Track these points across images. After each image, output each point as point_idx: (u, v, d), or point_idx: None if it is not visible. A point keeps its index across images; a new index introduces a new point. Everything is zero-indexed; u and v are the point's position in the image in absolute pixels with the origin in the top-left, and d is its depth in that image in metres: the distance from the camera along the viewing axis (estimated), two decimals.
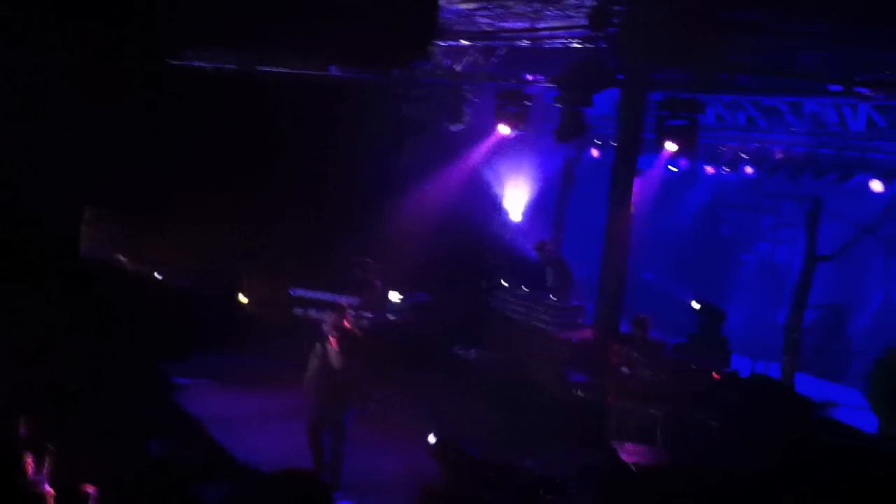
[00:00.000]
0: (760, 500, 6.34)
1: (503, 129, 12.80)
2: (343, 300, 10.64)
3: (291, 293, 13.91)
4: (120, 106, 11.20)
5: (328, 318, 9.96)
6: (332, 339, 9.78)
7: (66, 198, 10.98)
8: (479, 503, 8.39)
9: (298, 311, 13.95)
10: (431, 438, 9.04)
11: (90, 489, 6.53)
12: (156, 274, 13.63)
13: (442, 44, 12.37)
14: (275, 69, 12.25)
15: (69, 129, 10.92)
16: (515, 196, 15.82)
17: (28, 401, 7.76)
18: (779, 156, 13.52)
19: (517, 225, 15.99)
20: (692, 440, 10.75)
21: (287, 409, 11.90)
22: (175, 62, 11.72)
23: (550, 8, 10.60)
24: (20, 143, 10.46)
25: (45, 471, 7.00)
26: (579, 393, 11.58)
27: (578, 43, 10.89)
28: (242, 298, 14.65)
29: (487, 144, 14.45)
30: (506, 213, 15.75)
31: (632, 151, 10.07)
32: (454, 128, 13.28)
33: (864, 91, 10.34)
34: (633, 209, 10.15)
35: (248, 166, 13.23)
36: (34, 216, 10.45)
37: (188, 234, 13.44)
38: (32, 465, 7.12)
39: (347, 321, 10.00)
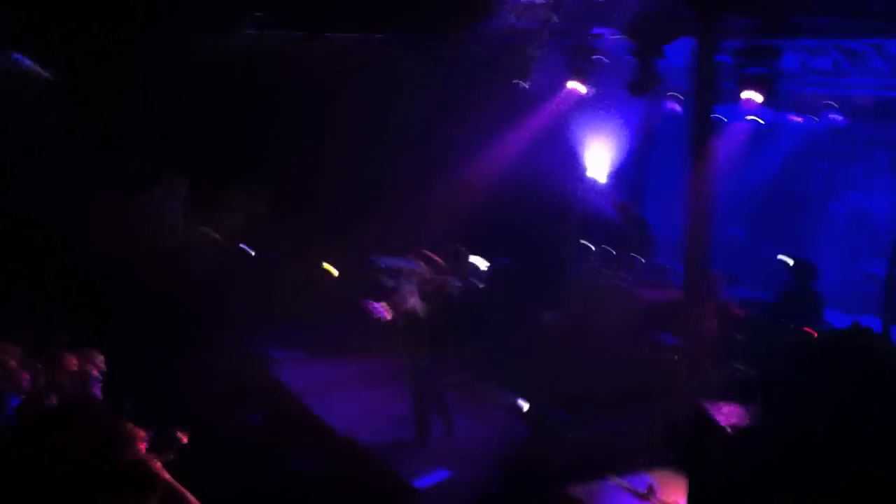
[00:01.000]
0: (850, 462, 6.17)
1: (574, 86, 12.56)
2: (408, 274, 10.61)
3: (372, 261, 14.02)
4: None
5: (411, 272, 10.15)
6: (415, 291, 10.03)
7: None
8: (568, 467, 8.40)
9: (388, 282, 14.06)
10: (524, 404, 9.11)
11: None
12: (248, 249, 13.87)
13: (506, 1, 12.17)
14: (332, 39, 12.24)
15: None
16: (594, 155, 15.60)
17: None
18: (868, 101, 13.04)
19: (598, 185, 15.78)
20: (789, 400, 10.54)
21: (375, 378, 12.13)
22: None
23: None
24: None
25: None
26: (668, 354, 11.45)
27: None
28: (332, 270, 14.84)
29: (561, 103, 14.23)
30: (585, 173, 15.55)
31: (709, 103, 9.81)
32: (526, 86, 13.04)
33: None
34: (715, 163, 9.90)
35: (306, 142, 13.33)
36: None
37: (274, 210, 13.65)
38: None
39: (428, 273, 10.13)
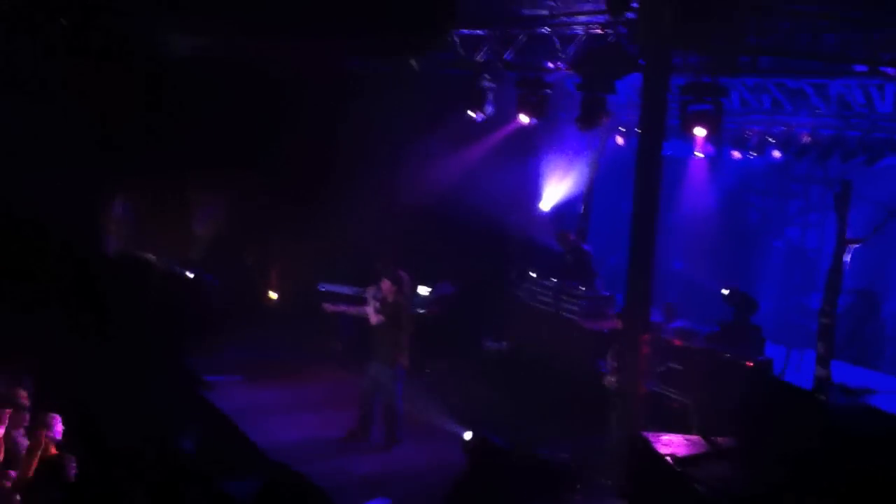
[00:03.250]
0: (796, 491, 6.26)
1: (524, 119, 12.71)
2: (371, 293, 11.05)
3: (320, 288, 13.94)
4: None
5: (370, 289, 10.95)
6: (373, 305, 10.80)
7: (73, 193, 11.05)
8: (507, 495, 8.35)
9: (328, 305, 13.99)
10: (467, 435, 9.07)
11: None
12: (187, 272, 13.70)
13: (462, 33, 12.29)
14: (289, 58, 12.22)
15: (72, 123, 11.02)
16: (540, 185, 15.73)
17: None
18: (805, 139, 13.34)
19: (543, 215, 15.90)
20: (725, 429, 10.67)
21: (316, 402, 11.99)
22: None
23: None
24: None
25: None
26: (609, 383, 11.51)
27: (599, 29, 10.78)
28: (272, 294, 14.71)
29: (510, 134, 14.37)
30: (531, 203, 15.67)
31: (655, 138, 9.92)
32: (477, 118, 13.20)
33: (891, 71, 10.16)
34: (658, 197, 10.02)
35: (262, 162, 13.23)
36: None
37: (218, 231, 13.50)
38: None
39: (386, 291, 10.82)
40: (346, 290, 13.58)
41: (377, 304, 10.82)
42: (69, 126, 11.14)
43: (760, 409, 8.22)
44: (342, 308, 13.49)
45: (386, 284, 10.83)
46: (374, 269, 11.19)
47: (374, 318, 10.82)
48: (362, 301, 11.26)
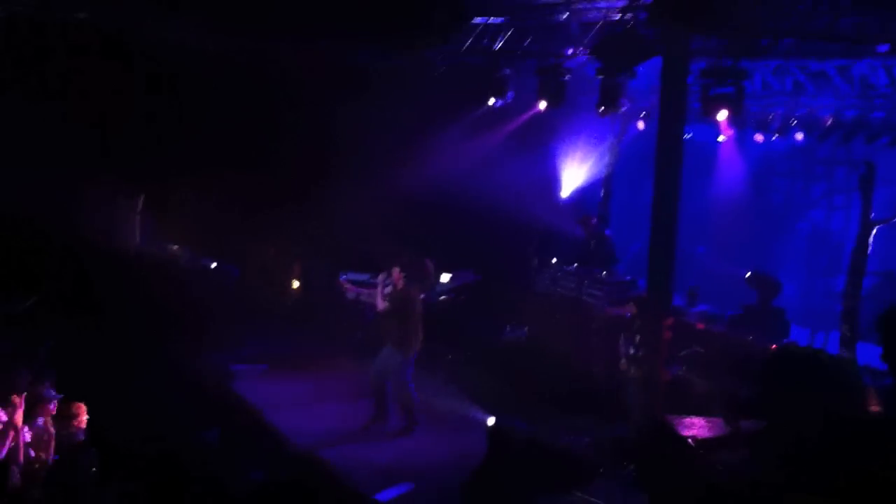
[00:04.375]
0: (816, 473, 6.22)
1: (544, 105, 12.68)
2: (381, 279, 11.27)
3: (341, 277, 14.00)
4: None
5: (381, 276, 11.14)
6: (381, 292, 10.98)
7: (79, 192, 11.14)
8: (528, 482, 8.38)
9: (351, 294, 14.05)
10: (490, 421, 9.10)
11: None
12: (209, 264, 13.79)
13: (480, 21, 12.26)
14: (302, 52, 12.26)
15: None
16: (563, 172, 15.70)
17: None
18: (829, 121, 13.22)
19: (564, 202, 15.87)
20: (749, 413, 10.63)
21: (337, 392, 12.06)
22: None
23: None
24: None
25: None
26: (632, 369, 11.51)
27: (618, 14, 10.70)
28: (293, 284, 14.78)
29: (530, 122, 14.34)
30: (552, 191, 15.64)
31: (676, 122, 9.87)
32: (496, 105, 13.19)
33: None
34: (680, 181, 9.97)
35: (278, 156, 13.28)
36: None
37: (240, 223, 13.56)
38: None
39: (396, 278, 10.98)
40: (366, 277, 13.63)
41: (387, 291, 10.99)
42: (73, 123, 11.23)
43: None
44: (363, 292, 13.51)
45: (395, 272, 10.96)
46: (398, 258, 11.27)
47: (380, 305, 10.98)
48: (374, 286, 11.44)
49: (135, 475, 7.18)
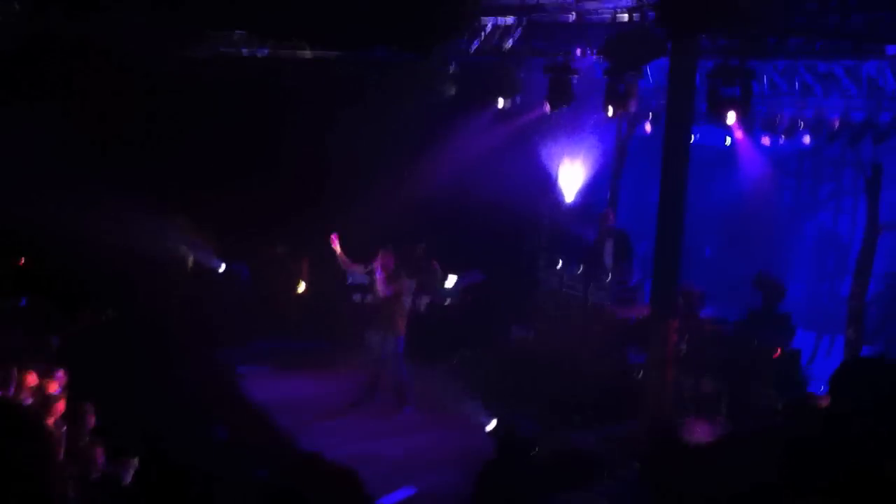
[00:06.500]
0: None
1: (553, 105, 12.67)
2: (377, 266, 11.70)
3: (350, 281, 14.00)
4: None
5: (376, 263, 11.63)
6: (379, 273, 11.50)
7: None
8: (534, 483, 8.37)
9: (356, 297, 14.06)
10: (493, 423, 9.09)
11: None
12: (218, 265, 13.83)
13: (487, 20, 12.26)
14: (311, 53, 12.31)
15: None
16: (569, 173, 15.67)
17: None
18: (837, 122, 13.16)
19: (571, 202, 15.84)
20: (754, 416, 10.62)
21: (343, 390, 12.06)
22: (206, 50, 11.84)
23: None
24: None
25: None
26: (639, 372, 11.50)
27: (626, 14, 10.69)
28: (301, 285, 14.80)
29: (539, 121, 14.33)
30: (560, 191, 15.61)
31: (684, 123, 9.86)
32: (505, 104, 13.20)
33: None
34: (686, 182, 9.95)
35: (287, 155, 13.29)
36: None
37: (245, 226, 13.57)
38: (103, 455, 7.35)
39: (390, 260, 11.56)
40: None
41: (383, 277, 11.50)
42: (75, 127, 11.29)
43: None
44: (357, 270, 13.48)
45: (387, 256, 11.52)
46: (408, 259, 11.51)
47: (382, 290, 11.51)
48: (371, 273, 11.84)
49: (141, 474, 7.16)
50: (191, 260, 13.34)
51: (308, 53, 12.17)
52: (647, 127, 15.23)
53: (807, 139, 13.85)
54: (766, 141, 14.65)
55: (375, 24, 10.99)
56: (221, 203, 12.52)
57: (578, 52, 11.96)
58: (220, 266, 13.71)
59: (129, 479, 7.13)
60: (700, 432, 9.99)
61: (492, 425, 9.43)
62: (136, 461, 7.22)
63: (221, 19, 11.43)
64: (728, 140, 15.04)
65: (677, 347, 10.54)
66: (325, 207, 13.45)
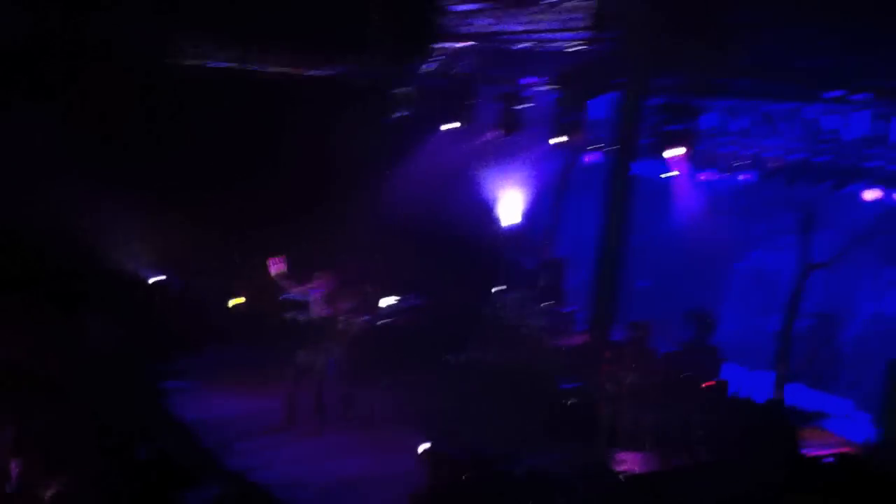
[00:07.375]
0: None
1: (500, 131, 12.74)
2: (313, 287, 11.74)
3: (285, 296, 13.80)
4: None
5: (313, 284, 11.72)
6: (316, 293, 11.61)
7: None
8: None
9: (290, 314, 13.85)
10: (424, 447, 8.99)
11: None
12: (151, 277, 13.58)
13: (443, 45, 12.29)
14: (272, 67, 12.24)
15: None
16: (510, 200, 15.73)
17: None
18: (775, 162, 13.42)
19: (512, 228, 15.89)
20: (681, 448, 10.72)
21: (273, 409, 11.85)
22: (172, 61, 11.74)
23: (549, 11, 10.58)
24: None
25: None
26: (571, 400, 11.53)
27: (579, 45, 10.80)
28: (238, 299, 14.57)
29: (483, 147, 14.37)
30: (500, 217, 15.66)
31: (627, 156, 10.01)
32: (451, 129, 13.24)
33: (860, 97, 10.29)
34: (628, 214, 10.07)
35: (242, 167, 13.16)
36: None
37: (183, 236, 13.36)
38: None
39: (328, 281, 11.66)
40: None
41: (319, 297, 11.62)
42: (69, 131, 11.12)
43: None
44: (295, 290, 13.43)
45: (326, 279, 11.59)
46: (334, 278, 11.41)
47: (317, 310, 11.63)
48: (307, 293, 11.87)
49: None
50: (124, 272, 13.08)
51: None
52: (589, 158, 15.37)
53: (745, 177, 14.11)
54: (704, 177, 14.89)
55: (338, 40, 10.96)
56: (180, 210, 12.45)
57: (530, 80, 12.06)
58: (153, 278, 13.44)
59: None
60: (629, 464, 10.04)
61: (423, 449, 9.33)
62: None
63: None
64: (666, 174, 15.24)
65: (627, 378, 10.63)
66: (277, 224, 13.36)
